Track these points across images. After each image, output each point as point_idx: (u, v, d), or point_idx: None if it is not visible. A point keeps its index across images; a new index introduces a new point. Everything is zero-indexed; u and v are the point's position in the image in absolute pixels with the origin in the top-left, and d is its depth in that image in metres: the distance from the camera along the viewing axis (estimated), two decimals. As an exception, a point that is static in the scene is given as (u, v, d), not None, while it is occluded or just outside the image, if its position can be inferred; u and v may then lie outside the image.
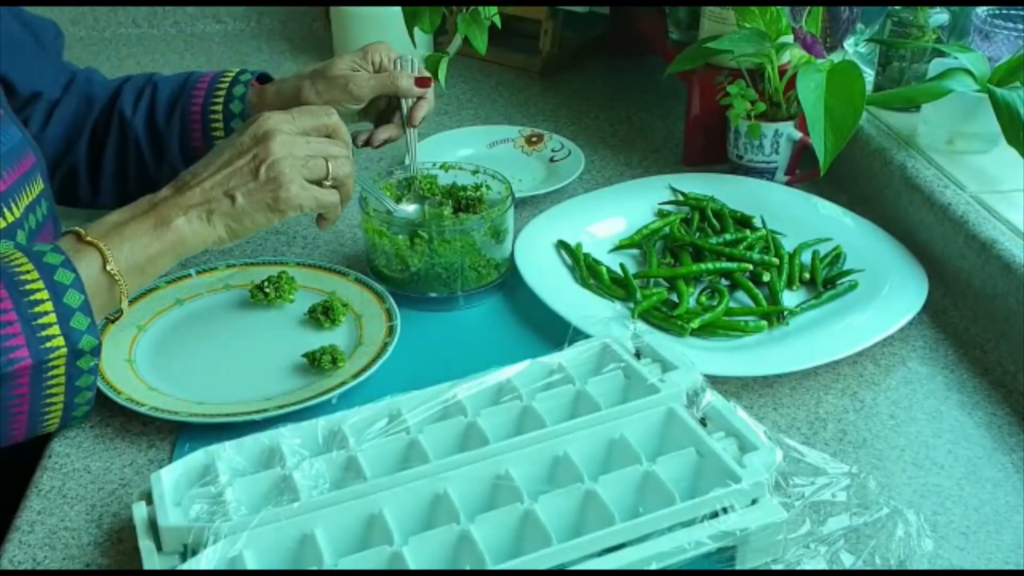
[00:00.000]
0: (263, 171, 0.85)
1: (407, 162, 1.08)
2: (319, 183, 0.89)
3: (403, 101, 1.08)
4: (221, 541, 0.66)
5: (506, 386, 0.81)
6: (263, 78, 1.13)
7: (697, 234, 1.10)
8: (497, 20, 1.11)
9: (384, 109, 1.11)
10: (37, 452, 0.86)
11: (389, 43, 1.10)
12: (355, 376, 0.89)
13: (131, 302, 0.98)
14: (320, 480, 0.73)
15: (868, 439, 0.86)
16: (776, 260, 1.05)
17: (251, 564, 0.67)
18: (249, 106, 1.07)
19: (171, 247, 0.85)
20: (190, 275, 1.03)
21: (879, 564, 0.71)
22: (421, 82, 1.07)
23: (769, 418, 0.88)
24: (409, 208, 1.06)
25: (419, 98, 1.08)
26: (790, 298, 1.03)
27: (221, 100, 1.06)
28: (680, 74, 1.27)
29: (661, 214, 1.16)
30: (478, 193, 1.08)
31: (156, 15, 1.80)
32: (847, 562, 0.71)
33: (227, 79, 1.09)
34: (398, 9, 1.13)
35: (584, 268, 1.05)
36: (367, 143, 1.08)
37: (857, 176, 1.22)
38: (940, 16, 1.20)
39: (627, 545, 0.69)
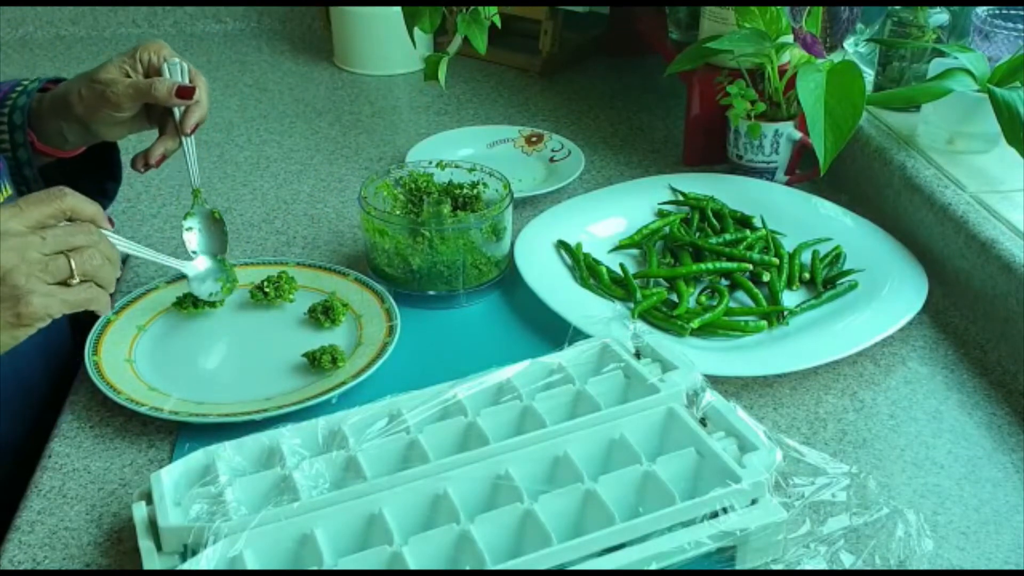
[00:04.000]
0: None
1: (191, 176, 1.00)
2: (66, 283, 0.76)
3: (174, 108, 0.97)
4: (221, 541, 0.66)
5: (506, 386, 0.81)
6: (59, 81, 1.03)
7: (697, 234, 1.10)
8: (497, 20, 1.11)
9: (163, 113, 0.99)
10: (37, 452, 0.86)
11: (164, 42, 0.98)
12: (355, 376, 0.89)
13: (131, 302, 0.99)
14: (320, 480, 0.73)
15: (868, 439, 0.86)
16: (776, 260, 1.05)
17: (251, 564, 0.67)
18: (31, 115, 0.98)
19: None
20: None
21: (879, 564, 0.71)
22: (182, 92, 0.94)
23: (769, 418, 0.88)
24: (198, 266, 0.99)
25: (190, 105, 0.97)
26: (790, 298, 1.03)
27: (7, 112, 0.98)
28: (680, 74, 1.27)
29: (661, 214, 1.16)
30: (475, 191, 1.08)
31: (156, 15, 1.81)
32: (847, 562, 0.71)
33: (17, 91, 1.00)
34: (398, 9, 1.13)
35: (584, 268, 1.05)
36: (146, 165, 0.98)
37: (857, 176, 1.22)
38: (940, 16, 1.20)
39: (627, 545, 0.69)
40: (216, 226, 1.02)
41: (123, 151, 1.07)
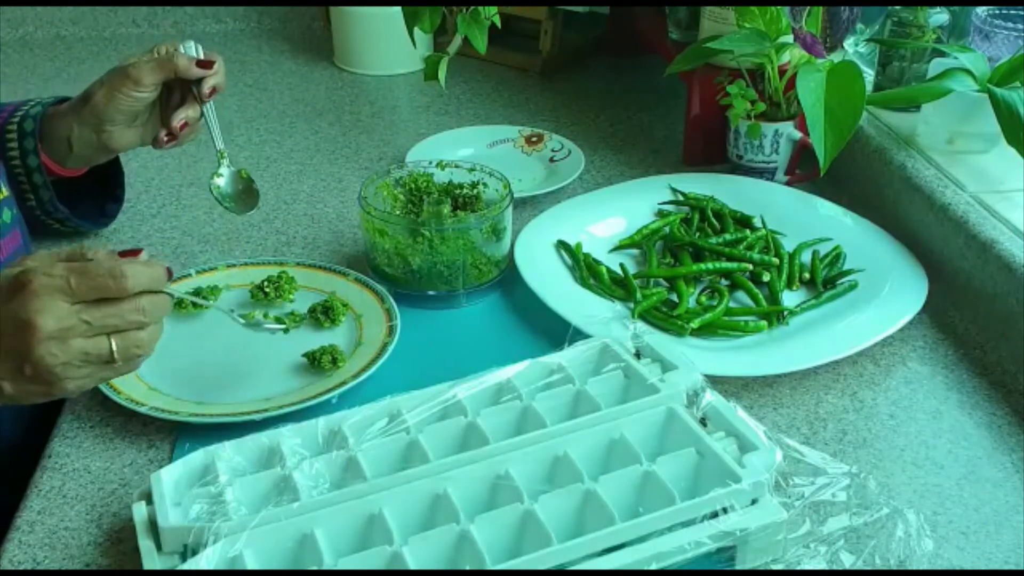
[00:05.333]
0: (27, 369, 0.70)
1: (214, 139, 1.03)
2: (105, 361, 0.73)
3: (194, 84, 1.01)
4: (221, 541, 0.66)
5: (506, 386, 0.81)
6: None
7: (697, 234, 1.10)
8: (497, 20, 1.11)
9: (180, 102, 1.03)
10: (37, 452, 0.85)
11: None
12: (355, 376, 0.89)
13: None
14: (320, 480, 0.73)
15: (868, 439, 0.86)
16: (776, 260, 1.05)
17: (251, 564, 0.67)
18: (42, 119, 1.01)
19: None
20: (190, 275, 1.03)
21: (879, 564, 0.71)
22: (202, 64, 1.00)
23: (769, 418, 0.88)
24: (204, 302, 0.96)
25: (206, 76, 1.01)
26: (790, 298, 1.03)
27: (18, 120, 1.01)
28: (680, 74, 1.27)
29: (661, 214, 1.16)
30: (475, 191, 1.08)
31: (156, 15, 1.81)
32: (847, 562, 0.71)
33: (31, 103, 1.04)
34: (398, 9, 1.13)
35: (584, 268, 1.05)
36: (169, 135, 1.01)
37: (857, 176, 1.22)
38: (940, 16, 1.20)
39: (627, 545, 0.69)
40: (244, 184, 1.04)
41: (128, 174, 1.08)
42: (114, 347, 0.72)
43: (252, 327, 0.89)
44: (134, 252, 0.76)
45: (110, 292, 0.71)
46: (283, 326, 0.93)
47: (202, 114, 1.02)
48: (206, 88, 1.00)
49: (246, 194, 1.05)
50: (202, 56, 1.01)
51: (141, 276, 0.72)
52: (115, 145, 1.02)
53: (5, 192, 0.95)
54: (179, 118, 1.01)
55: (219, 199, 1.03)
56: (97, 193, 1.12)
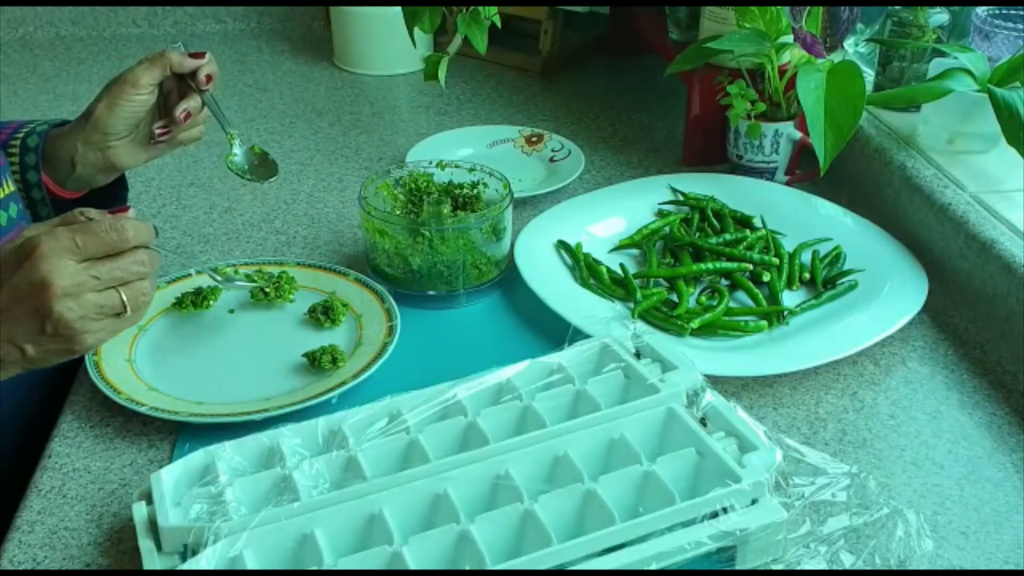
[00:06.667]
0: (48, 327, 0.73)
1: (222, 125, 1.05)
2: (117, 314, 0.77)
3: (190, 78, 1.01)
4: (221, 541, 0.66)
5: (506, 386, 0.81)
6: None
7: (697, 234, 1.10)
8: (497, 20, 1.11)
9: (180, 100, 1.03)
10: (37, 452, 0.86)
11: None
12: (355, 376, 0.89)
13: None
14: (320, 480, 0.73)
15: (868, 439, 0.86)
16: (776, 260, 1.05)
17: (251, 564, 0.67)
18: (47, 139, 1.00)
19: None
20: (190, 275, 1.03)
21: (879, 564, 0.71)
22: (194, 55, 1.01)
23: (769, 418, 0.88)
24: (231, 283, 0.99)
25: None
26: (790, 298, 1.03)
27: (21, 136, 1.00)
28: (680, 74, 1.27)
29: (661, 214, 1.16)
30: (475, 191, 1.08)
31: (156, 15, 1.81)
32: (847, 562, 0.71)
33: (37, 121, 1.03)
34: (398, 9, 1.13)
35: (584, 268, 1.05)
36: (164, 126, 1.01)
37: (857, 176, 1.22)
38: (940, 16, 1.20)
39: (627, 545, 0.69)
40: (259, 157, 1.08)
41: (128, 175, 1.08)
42: (124, 298, 0.76)
43: (225, 284, 0.97)
44: (123, 210, 0.80)
45: (114, 247, 0.75)
46: (255, 283, 0.99)
47: (203, 104, 1.02)
48: (202, 75, 1.01)
49: (262, 166, 1.07)
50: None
51: (139, 230, 0.77)
52: (121, 162, 1.02)
53: (11, 187, 0.95)
54: (181, 108, 1.01)
55: (238, 173, 1.06)
56: (94, 204, 1.12)
